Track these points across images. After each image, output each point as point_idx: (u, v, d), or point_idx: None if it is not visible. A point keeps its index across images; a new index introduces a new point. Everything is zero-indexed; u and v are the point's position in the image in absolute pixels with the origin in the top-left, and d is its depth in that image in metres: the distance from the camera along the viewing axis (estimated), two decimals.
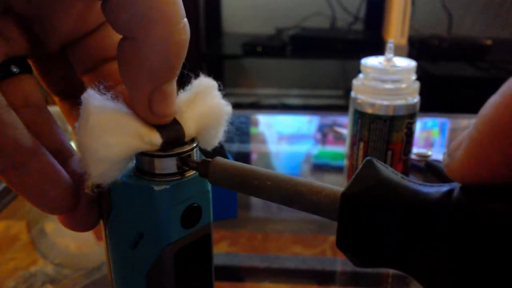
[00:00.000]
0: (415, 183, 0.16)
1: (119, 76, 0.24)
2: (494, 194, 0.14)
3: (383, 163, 0.18)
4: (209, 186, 0.23)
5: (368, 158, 0.18)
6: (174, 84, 0.21)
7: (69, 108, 0.26)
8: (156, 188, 0.21)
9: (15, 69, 0.22)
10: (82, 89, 0.27)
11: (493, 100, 0.14)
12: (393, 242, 0.16)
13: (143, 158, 0.22)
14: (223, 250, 0.44)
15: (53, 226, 0.49)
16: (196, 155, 0.22)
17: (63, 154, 0.23)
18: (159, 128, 0.21)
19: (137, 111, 0.21)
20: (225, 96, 0.24)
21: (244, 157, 0.68)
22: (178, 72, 0.21)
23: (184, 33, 0.20)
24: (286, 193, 0.19)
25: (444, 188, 0.15)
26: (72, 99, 0.26)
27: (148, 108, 0.21)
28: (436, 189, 0.16)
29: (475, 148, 0.14)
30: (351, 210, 0.17)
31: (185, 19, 0.20)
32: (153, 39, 0.19)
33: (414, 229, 0.15)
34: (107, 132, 0.20)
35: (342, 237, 0.18)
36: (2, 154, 0.20)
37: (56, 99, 0.26)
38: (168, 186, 0.21)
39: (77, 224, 0.23)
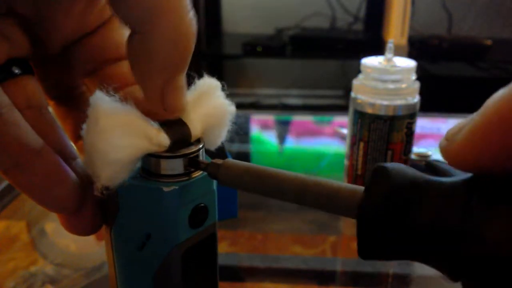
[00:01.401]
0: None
1: (121, 79, 0.24)
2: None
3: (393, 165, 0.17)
4: (215, 186, 0.23)
5: (378, 165, 0.17)
6: (184, 77, 0.21)
7: (64, 112, 0.26)
8: (166, 189, 0.21)
9: (16, 70, 0.22)
10: (79, 94, 0.27)
11: (502, 92, 0.14)
12: (414, 238, 0.16)
13: (151, 160, 0.22)
14: (223, 250, 0.44)
15: (53, 226, 0.49)
16: (202, 156, 0.23)
17: (65, 157, 0.23)
18: (166, 129, 0.21)
19: (150, 106, 0.21)
20: (226, 96, 0.24)
21: (244, 157, 0.68)
22: (187, 64, 0.21)
23: (192, 25, 0.20)
24: (301, 190, 0.19)
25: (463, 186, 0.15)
26: (69, 104, 0.26)
27: (161, 102, 0.21)
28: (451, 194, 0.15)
29: (478, 134, 0.14)
30: (369, 219, 0.17)
31: (192, 12, 0.20)
32: (161, 32, 0.20)
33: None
34: (117, 134, 0.20)
35: (364, 245, 0.17)
36: (5, 154, 0.20)
37: (51, 102, 0.26)
38: (177, 187, 0.21)
39: (81, 227, 0.23)
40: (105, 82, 0.23)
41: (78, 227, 0.23)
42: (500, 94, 0.14)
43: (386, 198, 0.16)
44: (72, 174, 0.22)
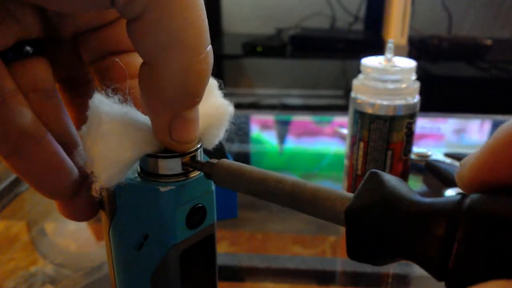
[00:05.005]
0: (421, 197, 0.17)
1: (126, 70, 0.24)
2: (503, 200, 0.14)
3: (388, 174, 0.18)
4: (213, 186, 0.23)
5: (372, 170, 0.18)
6: (195, 111, 0.21)
7: (69, 97, 0.26)
8: (162, 189, 0.21)
9: (28, 48, 0.22)
10: (86, 82, 0.26)
11: None
12: (399, 246, 0.16)
13: (148, 160, 0.22)
14: (223, 250, 0.44)
15: (53, 226, 0.49)
16: (200, 156, 0.22)
17: (67, 144, 0.23)
18: None
19: (157, 137, 0.21)
20: (225, 96, 0.24)
21: (244, 157, 0.68)
22: (199, 99, 0.20)
23: (206, 62, 0.19)
24: (293, 196, 0.19)
25: (452, 198, 0.15)
26: (74, 90, 0.26)
27: (168, 134, 0.20)
28: (445, 199, 0.16)
29: (487, 155, 0.15)
30: (356, 223, 0.17)
31: (209, 47, 0.19)
32: (171, 67, 0.19)
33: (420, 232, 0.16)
34: (118, 138, 0.20)
35: (351, 247, 0.18)
36: (6, 140, 0.20)
37: (57, 86, 0.26)
38: (173, 187, 0.21)
39: (76, 213, 0.23)
40: (109, 70, 0.23)
41: (73, 213, 0.23)
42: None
43: (373, 207, 0.17)
44: (70, 164, 0.22)
